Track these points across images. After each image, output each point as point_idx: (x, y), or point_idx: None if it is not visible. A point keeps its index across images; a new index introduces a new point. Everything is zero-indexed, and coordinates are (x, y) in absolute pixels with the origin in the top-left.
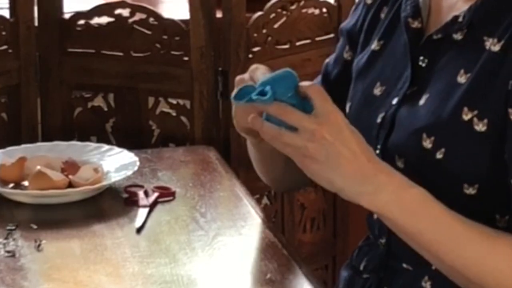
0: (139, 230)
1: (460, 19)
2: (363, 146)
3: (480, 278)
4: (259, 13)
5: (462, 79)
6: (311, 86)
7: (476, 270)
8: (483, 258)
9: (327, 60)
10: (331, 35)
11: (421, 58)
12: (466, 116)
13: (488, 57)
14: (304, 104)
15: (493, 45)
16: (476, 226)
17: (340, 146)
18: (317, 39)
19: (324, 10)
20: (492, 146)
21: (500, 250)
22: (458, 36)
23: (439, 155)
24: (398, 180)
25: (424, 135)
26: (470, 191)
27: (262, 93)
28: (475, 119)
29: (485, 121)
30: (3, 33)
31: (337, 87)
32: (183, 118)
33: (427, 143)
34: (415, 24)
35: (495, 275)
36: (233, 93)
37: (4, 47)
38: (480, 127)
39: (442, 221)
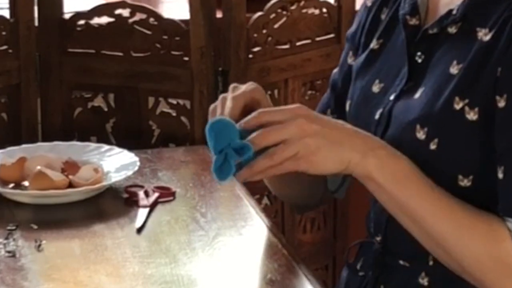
0: (139, 230)
1: (454, 12)
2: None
3: (457, 252)
4: (259, 13)
5: (454, 70)
6: (254, 114)
7: (454, 244)
8: (462, 232)
9: (334, 70)
10: (331, 35)
11: (418, 54)
12: (458, 105)
13: (479, 47)
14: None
15: (484, 35)
16: (461, 203)
17: (326, 121)
18: (317, 39)
19: (324, 10)
20: (483, 135)
21: (480, 226)
22: (452, 30)
23: (432, 146)
24: (389, 147)
25: (418, 126)
26: (465, 183)
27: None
28: (467, 108)
29: (476, 109)
30: (3, 33)
31: (345, 93)
32: (183, 118)
33: (421, 134)
34: (413, 21)
35: (472, 250)
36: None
37: (4, 47)
38: (472, 115)
39: (429, 191)
